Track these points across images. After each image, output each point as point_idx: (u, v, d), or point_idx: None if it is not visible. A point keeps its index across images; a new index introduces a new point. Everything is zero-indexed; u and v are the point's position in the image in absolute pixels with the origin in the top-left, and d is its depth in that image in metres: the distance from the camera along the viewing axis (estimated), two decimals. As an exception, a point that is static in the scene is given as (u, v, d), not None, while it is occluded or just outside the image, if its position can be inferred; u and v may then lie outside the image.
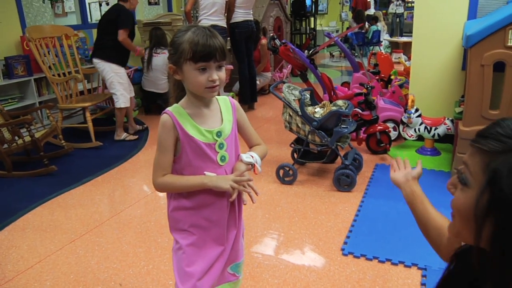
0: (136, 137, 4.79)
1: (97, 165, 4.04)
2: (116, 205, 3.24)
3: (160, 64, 5.52)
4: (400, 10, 11.88)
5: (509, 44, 2.90)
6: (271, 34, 5.99)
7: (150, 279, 2.34)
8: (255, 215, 2.99)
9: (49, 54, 4.67)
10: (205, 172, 1.41)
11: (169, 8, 7.49)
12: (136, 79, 5.74)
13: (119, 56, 4.67)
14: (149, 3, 7.23)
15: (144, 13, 7.06)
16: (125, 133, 4.76)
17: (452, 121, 3.84)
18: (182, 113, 1.41)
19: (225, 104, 1.51)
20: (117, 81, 4.61)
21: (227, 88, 6.48)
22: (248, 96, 5.84)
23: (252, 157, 1.50)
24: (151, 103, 5.84)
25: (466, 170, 0.76)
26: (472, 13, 3.90)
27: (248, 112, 5.72)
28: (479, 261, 0.76)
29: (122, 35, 4.53)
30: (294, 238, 2.70)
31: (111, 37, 4.54)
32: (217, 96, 1.48)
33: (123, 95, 4.61)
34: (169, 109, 1.42)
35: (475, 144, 0.75)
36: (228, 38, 5.62)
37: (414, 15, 4.20)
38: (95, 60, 4.66)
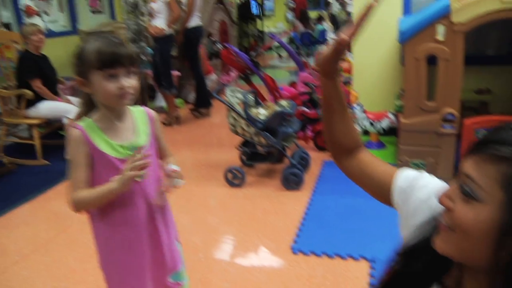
0: None
1: (43, 181, 3.89)
2: (63, 222, 3.13)
3: None
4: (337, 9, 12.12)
5: (438, 38, 3.02)
6: (212, 39, 5.97)
7: (99, 294, 2.29)
8: (205, 220, 2.98)
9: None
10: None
11: (112, 16, 7.35)
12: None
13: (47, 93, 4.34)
14: (93, 12, 7.05)
15: (87, 21, 6.88)
16: None
17: (394, 114, 3.95)
18: (93, 128, 1.34)
19: (141, 116, 1.46)
20: (61, 109, 4.32)
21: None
22: (208, 100, 5.80)
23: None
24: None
25: (471, 182, 0.67)
26: (407, 9, 4.04)
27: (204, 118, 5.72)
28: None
29: (34, 85, 4.20)
30: (244, 241, 2.70)
31: (27, 86, 4.20)
32: (132, 107, 1.44)
33: (67, 111, 4.37)
34: (78, 123, 1.34)
35: (486, 151, 0.66)
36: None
37: (352, 13, 4.30)
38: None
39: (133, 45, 5.51)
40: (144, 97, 5.70)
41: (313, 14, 11.01)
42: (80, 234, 2.91)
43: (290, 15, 12.49)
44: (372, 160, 1.05)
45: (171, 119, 5.42)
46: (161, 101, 5.85)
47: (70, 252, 2.70)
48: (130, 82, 1.30)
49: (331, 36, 10.53)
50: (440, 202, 0.72)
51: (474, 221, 0.65)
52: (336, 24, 7.65)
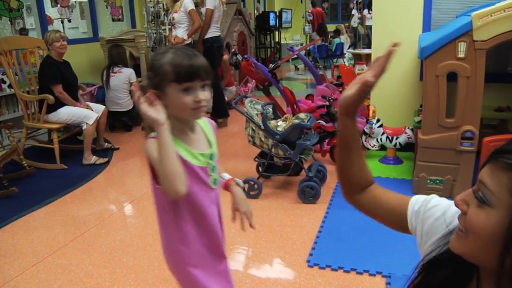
0: (105, 159, 4.57)
1: (60, 185, 3.95)
2: (80, 226, 3.17)
3: (119, 84, 5.45)
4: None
5: (459, 55, 3.01)
6: (233, 50, 6.01)
7: (115, 300, 2.31)
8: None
9: (20, 69, 4.52)
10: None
11: (133, 25, 7.46)
12: (100, 97, 5.68)
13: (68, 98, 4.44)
14: (113, 20, 7.18)
15: (108, 29, 7.01)
16: (94, 157, 4.52)
17: (412, 130, 3.94)
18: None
19: (206, 126, 1.46)
20: (81, 115, 4.43)
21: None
22: (226, 110, 5.84)
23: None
24: (116, 121, 5.77)
25: (484, 188, 0.71)
26: (427, 26, 4.05)
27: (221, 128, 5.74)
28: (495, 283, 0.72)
29: (55, 90, 4.32)
30: (260, 252, 2.71)
31: (49, 91, 4.32)
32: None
33: (86, 117, 4.48)
34: (154, 134, 1.26)
35: (499, 159, 0.70)
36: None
37: (372, 28, 4.32)
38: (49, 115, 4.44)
39: (153, 54, 5.61)
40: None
41: (330, 27, 11.06)
42: (97, 239, 2.95)
43: (307, 28, 12.57)
44: (385, 191, 1.08)
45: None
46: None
47: (87, 257, 2.73)
48: (205, 95, 1.30)
49: (347, 49, 10.58)
50: (456, 204, 0.77)
51: (485, 224, 0.70)
52: (357, 37, 7.65)
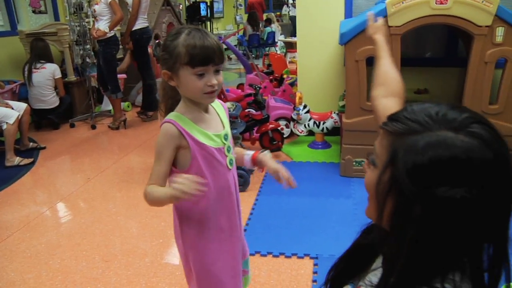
0: (30, 160, 4.35)
1: (-21, 190, 3.74)
2: (2, 231, 3.02)
3: (42, 80, 5.18)
4: (294, 12, 12.34)
5: (376, 40, 3.12)
6: (157, 41, 5.90)
7: (39, 304, 2.23)
8: (152, 224, 2.96)
9: None
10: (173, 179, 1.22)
11: (56, 17, 7.12)
12: (22, 94, 5.38)
13: None
14: (34, 12, 6.76)
15: (30, 22, 6.61)
16: (18, 157, 4.28)
17: (337, 114, 4.06)
18: (185, 120, 1.32)
19: (218, 107, 1.45)
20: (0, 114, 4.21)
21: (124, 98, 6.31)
22: (156, 103, 5.69)
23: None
24: (41, 119, 5.51)
25: (374, 152, 0.79)
26: (348, 13, 4.16)
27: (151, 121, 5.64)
28: (380, 239, 0.80)
29: None
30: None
31: None
32: None
33: (6, 116, 4.25)
34: (169, 117, 1.32)
35: (383, 127, 0.77)
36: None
37: (296, 16, 4.38)
38: None
39: (78, 48, 5.38)
40: (91, 101, 5.59)
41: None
42: (20, 243, 2.83)
43: (238, 17, 12.56)
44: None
45: (118, 123, 5.33)
46: (108, 105, 5.74)
47: (9, 263, 2.61)
48: (218, 79, 1.28)
49: (279, 37, 10.69)
50: (364, 169, 0.86)
51: (369, 183, 0.78)
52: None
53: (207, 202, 1.37)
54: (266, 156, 1.49)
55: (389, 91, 1.21)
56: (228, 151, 1.39)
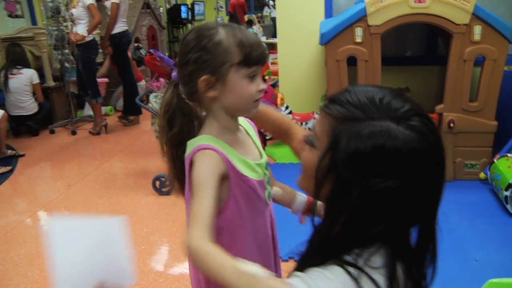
0: (8, 168, 4.23)
1: None
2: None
3: (20, 86, 5.06)
4: (275, 13, 12.33)
5: (357, 40, 3.13)
6: (136, 45, 5.84)
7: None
8: (134, 230, 2.91)
9: None
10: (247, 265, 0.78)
11: (33, 22, 6.99)
12: (-1, 100, 5.27)
13: None
14: (10, 16, 6.60)
15: (7, 27, 6.44)
16: None
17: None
18: (224, 145, 1.00)
19: (245, 124, 1.14)
20: None
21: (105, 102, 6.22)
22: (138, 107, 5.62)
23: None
24: (20, 126, 5.40)
25: (313, 133, 0.80)
26: (328, 13, 4.16)
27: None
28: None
29: None
30: (174, 249, 2.67)
31: None
32: None
33: None
34: (203, 142, 0.99)
35: (324, 109, 0.77)
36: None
37: (276, 17, 4.37)
38: None
39: (56, 52, 5.27)
40: (71, 106, 5.50)
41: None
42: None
43: (220, 19, 12.50)
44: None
45: (99, 128, 5.26)
46: (89, 110, 5.65)
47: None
48: (265, 84, 1.04)
49: (261, 39, 10.67)
50: (301, 148, 0.88)
51: (309, 163, 0.80)
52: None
53: (244, 243, 1.07)
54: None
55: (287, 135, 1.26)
56: (268, 182, 1.10)
